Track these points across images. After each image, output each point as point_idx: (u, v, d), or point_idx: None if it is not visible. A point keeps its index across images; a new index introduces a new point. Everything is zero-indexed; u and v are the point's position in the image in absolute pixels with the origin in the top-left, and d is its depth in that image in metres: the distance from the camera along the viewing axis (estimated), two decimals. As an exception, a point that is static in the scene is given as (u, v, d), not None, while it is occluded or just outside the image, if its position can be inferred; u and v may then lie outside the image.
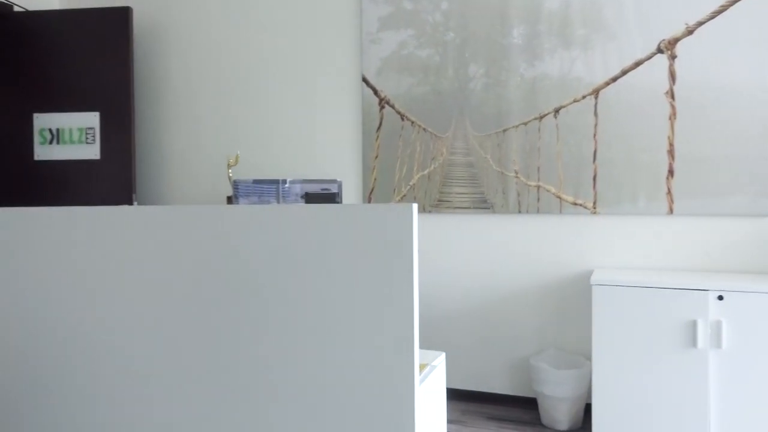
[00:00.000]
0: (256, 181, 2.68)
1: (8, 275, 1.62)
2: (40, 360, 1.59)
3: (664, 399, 2.27)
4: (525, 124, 2.78)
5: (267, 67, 3.38)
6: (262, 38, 3.38)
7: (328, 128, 3.23)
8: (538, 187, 2.76)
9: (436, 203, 2.95)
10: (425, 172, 2.97)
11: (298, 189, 2.74)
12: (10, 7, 3.67)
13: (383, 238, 1.18)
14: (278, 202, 2.81)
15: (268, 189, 2.71)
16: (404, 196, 3.02)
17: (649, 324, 2.28)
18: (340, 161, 3.20)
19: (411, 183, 3.00)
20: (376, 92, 3.06)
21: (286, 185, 2.68)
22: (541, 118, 2.75)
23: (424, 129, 2.96)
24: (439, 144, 2.93)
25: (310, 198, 2.83)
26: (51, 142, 3.47)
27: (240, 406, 1.32)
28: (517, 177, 2.81)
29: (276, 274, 1.27)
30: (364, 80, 3.09)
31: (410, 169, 3.00)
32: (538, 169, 2.76)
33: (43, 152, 3.48)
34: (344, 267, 1.21)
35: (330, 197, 2.81)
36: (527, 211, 2.79)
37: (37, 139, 3.48)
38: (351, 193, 3.19)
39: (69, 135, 3.46)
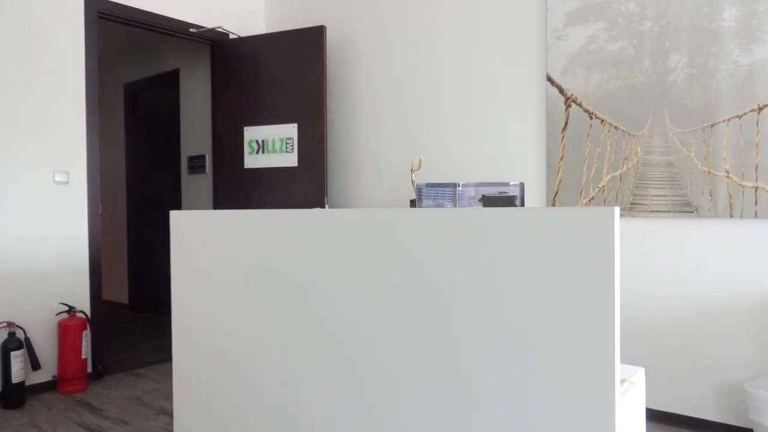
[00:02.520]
0: (429, 185, 2.72)
1: (218, 267, 1.84)
2: (235, 352, 1.78)
3: None
4: (739, 117, 2.45)
5: (449, 72, 3.42)
6: (444, 44, 3.44)
7: (510, 130, 3.17)
8: (756, 188, 2.41)
9: (629, 206, 2.73)
10: (617, 173, 2.77)
11: (472, 192, 2.72)
12: (226, 35, 4.20)
13: (580, 244, 1.12)
14: (455, 205, 2.82)
15: (442, 192, 2.74)
16: (592, 199, 2.84)
17: None
18: (523, 164, 3.12)
19: (600, 185, 2.82)
20: (561, 91, 2.93)
21: (459, 188, 2.68)
22: (761, 109, 2.40)
23: (616, 127, 2.76)
24: (633, 142, 2.71)
25: (487, 201, 2.79)
26: (257, 152, 3.90)
27: (435, 414, 1.35)
28: (728, 177, 2.48)
29: (460, 280, 1.27)
30: (549, 79, 2.97)
31: (599, 171, 2.82)
32: (757, 167, 2.42)
33: (251, 161, 3.92)
34: (534, 273, 1.17)
35: (509, 200, 2.75)
36: (741, 216, 2.45)
37: (246, 149, 3.93)
38: (533, 197, 3.09)
39: (272, 145, 3.85)
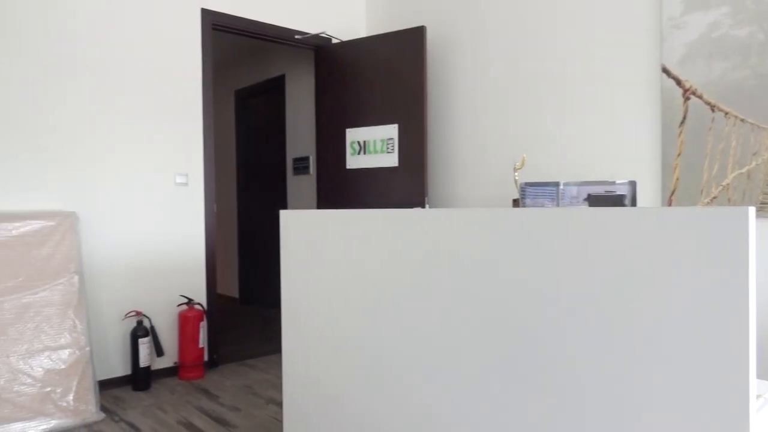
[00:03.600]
0: (529, 184, 2.65)
1: (325, 264, 1.90)
2: (341, 347, 1.82)
3: None
4: None
5: (553, 66, 3.31)
6: (548, 38, 3.33)
7: (620, 126, 3.02)
8: None
9: (759, 206, 2.50)
10: (743, 170, 2.55)
11: (574, 191, 2.61)
12: (328, 40, 4.33)
13: (708, 248, 1.04)
14: (556, 205, 2.72)
15: (542, 191, 2.65)
16: (715, 198, 2.64)
17: None
18: (634, 161, 2.96)
19: (724, 183, 2.60)
20: (679, 83, 2.74)
21: (561, 187, 2.59)
22: None
23: (742, 120, 2.54)
24: (763, 136, 2.48)
25: (594, 200, 2.67)
26: (359, 153, 3.98)
27: (558, 420, 1.31)
28: None
29: (568, 283, 1.22)
30: (664, 70, 2.79)
31: (723, 167, 2.60)
32: None
33: (353, 162, 4.01)
34: (654, 279, 1.10)
35: (617, 200, 2.61)
36: None
37: (348, 150, 4.03)
38: (646, 196, 2.92)
39: (373, 146, 3.92)
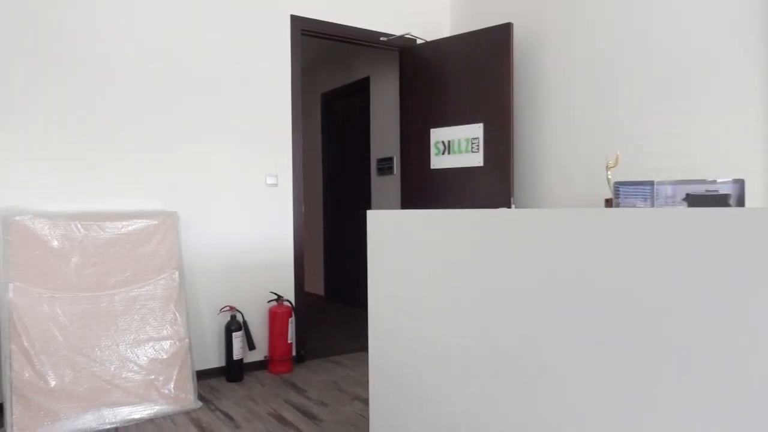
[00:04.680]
0: (619, 183, 2.52)
1: (411, 264, 1.90)
2: (427, 347, 1.82)
3: None
4: None
5: (647, 62, 3.15)
6: (640, 33, 3.17)
7: (725, 121, 2.82)
8: None
9: None
10: None
11: (669, 191, 2.46)
12: (413, 40, 4.35)
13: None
14: (651, 204, 2.58)
15: (634, 191, 2.52)
16: (836, 197, 2.40)
17: None
18: (743, 158, 2.75)
19: None
20: (793, 72, 2.52)
21: (655, 186, 2.45)
22: None
23: None
24: None
25: (693, 200, 2.51)
26: (443, 153, 3.97)
27: (645, 418, 1.25)
28: None
29: (668, 290, 1.15)
30: (777, 59, 2.58)
31: None
32: None
33: (437, 162, 4.01)
34: (753, 285, 1.01)
35: (720, 200, 2.44)
36: None
37: (432, 150, 4.03)
38: (756, 197, 2.71)
39: (458, 145, 3.90)
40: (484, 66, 3.77)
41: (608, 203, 2.89)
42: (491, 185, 3.74)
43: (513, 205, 3.69)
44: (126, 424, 2.79)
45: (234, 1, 3.60)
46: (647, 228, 1.22)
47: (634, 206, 2.60)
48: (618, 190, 2.51)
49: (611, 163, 2.83)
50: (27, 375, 2.68)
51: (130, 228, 3.12)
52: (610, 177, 2.82)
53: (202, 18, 3.49)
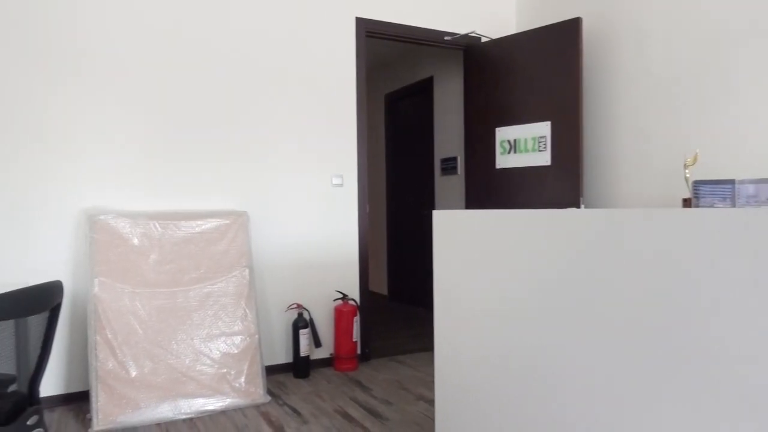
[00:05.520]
0: (700, 182, 2.40)
1: (478, 264, 1.88)
2: (494, 348, 1.79)
3: None
4: None
5: (725, 54, 2.98)
6: (717, 24, 3.00)
7: (816, 114, 2.63)
8: None
9: None
10: None
11: (751, 190, 2.32)
12: (478, 39, 4.30)
13: None
14: (733, 204, 2.45)
15: (712, 190, 2.39)
16: None
17: None
18: (836, 154, 2.56)
19: None
20: None
21: (736, 186, 2.31)
22: None
23: None
24: None
25: (781, 200, 2.35)
26: (509, 152, 3.91)
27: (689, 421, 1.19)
28: None
29: (764, 287, 1.08)
30: None
31: None
32: None
33: (502, 161, 3.95)
34: None
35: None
36: None
37: (498, 149, 3.98)
38: None
39: (524, 144, 3.82)
40: (551, 63, 3.68)
41: (686, 203, 2.77)
42: (559, 185, 3.65)
43: (582, 205, 3.58)
44: (200, 415, 2.91)
45: (300, 4, 3.68)
46: (733, 228, 1.16)
47: (713, 206, 2.47)
48: (697, 190, 2.39)
49: (689, 161, 2.70)
50: (110, 365, 2.84)
51: (203, 227, 3.25)
52: (688, 176, 2.69)
53: (269, 21, 3.59)
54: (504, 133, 3.94)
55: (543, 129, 3.72)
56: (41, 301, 1.30)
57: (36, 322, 1.40)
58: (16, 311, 1.22)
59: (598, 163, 3.76)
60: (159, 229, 3.14)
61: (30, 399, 1.43)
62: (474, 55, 4.16)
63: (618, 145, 3.61)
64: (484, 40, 4.31)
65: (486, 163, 4.06)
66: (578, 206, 3.56)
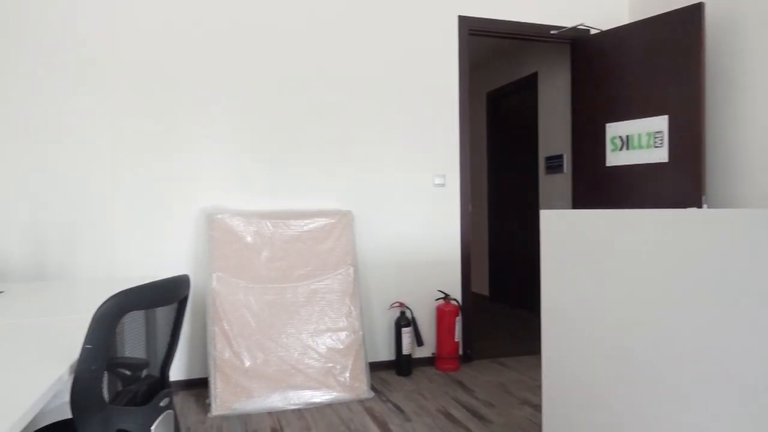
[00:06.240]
0: None
1: (590, 266, 1.79)
2: (608, 354, 1.69)
3: None
4: None
5: None
6: None
7: None
8: None
9: None
10: None
11: None
12: (586, 31, 4.12)
13: None
14: None
15: None
16: None
17: None
18: None
19: None
20: None
21: None
22: None
23: None
24: None
25: None
26: (621, 149, 3.71)
27: None
28: None
29: None
30: None
31: None
32: None
33: (613, 158, 3.76)
34: None
35: None
36: None
37: (608, 146, 3.79)
38: None
39: (638, 140, 3.61)
40: (670, 53, 3.45)
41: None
42: (678, 183, 3.41)
43: (705, 205, 3.32)
44: (307, 407, 3.03)
45: (403, 5, 3.72)
46: None
47: None
48: None
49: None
50: (227, 355, 3.03)
51: (311, 226, 3.37)
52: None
53: (373, 24, 3.66)
54: (615, 129, 3.74)
55: (659, 123, 3.49)
56: (172, 293, 1.41)
57: (166, 313, 1.52)
58: (151, 302, 1.33)
59: (721, 160, 3.47)
60: (270, 227, 3.30)
61: (161, 383, 1.56)
62: (582, 49, 3.99)
63: (745, 141, 3.31)
64: (593, 32, 4.12)
65: (595, 160, 3.88)
66: (700, 206, 3.31)
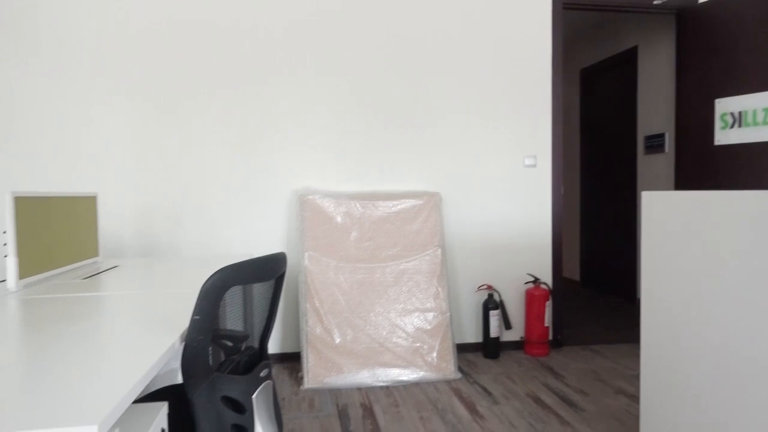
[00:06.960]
0: None
1: (695, 251, 1.68)
2: (712, 343, 1.58)
3: None
4: None
5: None
6: None
7: None
8: None
9: None
10: None
11: None
12: (694, 1, 3.82)
13: None
14: None
15: None
16: None
17: None
18: None
19: None
20: None
21: None
22: None
23: None
24: None
25: None
26: (732, 126, 3.43)
27: None
28: None
29: None
30: None
31: None
32: None
33: (723, 137, 3.48)
34: None
35: None
36: None
37: (718, 124, 3.51)
38: None
39: (753, 117, 3.33)
40: (792, 19, 3.13)
41: None
42: (798, 163, 3.11)
43: (830, 187, 3.01)
44: (395, 384, 3.08)
45: (495, -18, 3.61)
46: None
47: None
48: None
49: None
50: (318, 331, 3.13)
51: (399, 207, 3.40)
52: None
53: (461, 2, 3.59)
54: (726, 105, 3.46)
55: (778, 98, 3.19)
56: (272, 269, 1.48)
57: (265, 288, 1.60)
58: (253, 277, 1.39)
59: None
60: (359, 208, 3.36)
61: (260, 354, 1.64)
62: (689, 19, 3.70)
63: None
64: (701, 1, 3.81)
65: (702, 139, 3.62)
66: (824, 188, 3.00)
